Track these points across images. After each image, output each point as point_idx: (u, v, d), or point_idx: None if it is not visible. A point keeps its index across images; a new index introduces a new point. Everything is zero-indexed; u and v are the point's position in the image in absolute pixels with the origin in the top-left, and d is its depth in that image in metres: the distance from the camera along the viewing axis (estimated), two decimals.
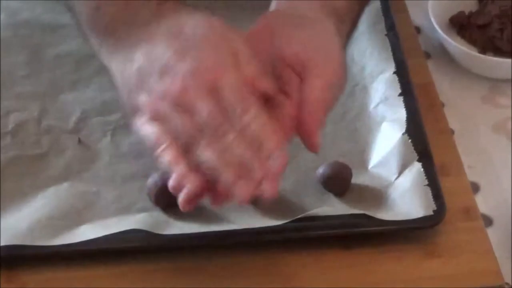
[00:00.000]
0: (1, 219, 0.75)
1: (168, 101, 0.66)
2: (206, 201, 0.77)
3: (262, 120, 0.67)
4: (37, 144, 0.82)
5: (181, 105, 0.66)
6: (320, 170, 0.78)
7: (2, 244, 0.73)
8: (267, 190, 0.66)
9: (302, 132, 0.71)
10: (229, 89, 0.66)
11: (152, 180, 0.77)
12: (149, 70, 0.68)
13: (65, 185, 0.79)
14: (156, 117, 0.67)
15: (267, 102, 0.69)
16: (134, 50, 0.69)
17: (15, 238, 0.73)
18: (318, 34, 0.72)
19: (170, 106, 0.66)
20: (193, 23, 0.68)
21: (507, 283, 0.73)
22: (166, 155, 0.67)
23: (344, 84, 0.74)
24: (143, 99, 0.68)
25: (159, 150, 0.67)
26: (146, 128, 0.68)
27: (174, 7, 0.70)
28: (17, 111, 0.85)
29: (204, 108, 0.66)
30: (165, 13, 0.69)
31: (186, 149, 0.67)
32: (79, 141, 0.83)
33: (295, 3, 0.75)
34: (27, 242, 0.73)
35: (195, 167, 0.66)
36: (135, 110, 0.69)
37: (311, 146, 0.71)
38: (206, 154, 0.66)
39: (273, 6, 0.76)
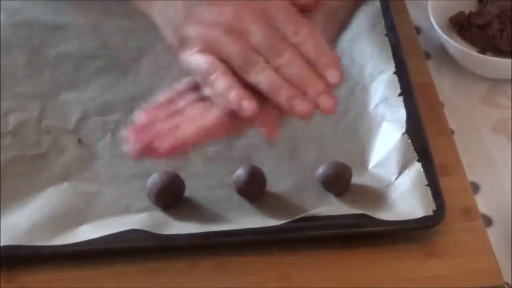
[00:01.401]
0: (1, 219, 0.75)
1: (221, 28, 0.68)
2: (206, 200, 0.77)
3: (315, 38, 0.69)
4: (37, 144, 0.82)
5: (234, 30, 0.68)
6: (320, 170, 0.78)
7: (2, 244, 0.73)
8: (325, 103, 0.67)
9: None
10: (279, 12, 0.68)
11: (152, 180, 0.77)
12: (196, 1, 0.69)
13: (65, 185, 0.79)
14: (209, 46, 0.68)
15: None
16: None
17: (15, 238, 0.73)
18: None
19: (223, 32, 0.68)
20: None
21: (507, 283, 0.73)
22: (221, 82, 0.68)
23: None
24: (193, 29, 0.69)
25: (212, 77, 0.68)
26: (197, 58, 0.69)
27: None
28: (17, 111, 0.85)
29: (258, 30, 0.68)
30: None
31: (240, 75, 0.68)
32: (79, 141, 0.83)
33: None
34: (27, 242, 0.73)
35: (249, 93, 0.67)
36: (184, 44, 0.70)
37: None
38: (262, 76, 0.67)
39: None
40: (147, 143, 0.68)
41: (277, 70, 0.67)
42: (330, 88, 0.68)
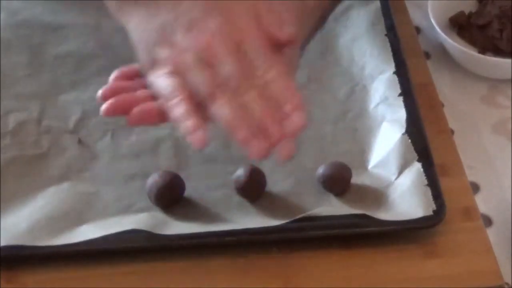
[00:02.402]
0: (1, 219, 0.75)
1: (192, 55, 0.68)
2: (206, 200, 0.77)
3: (283, 81, 0.68)
4: (37, 144, 0.82)
5: (205, 60, 0.67)
6: (320, 170, 0.78)
7: (2, 244, 0.73)
8: (285, 149, 0.67)
9: None
10: (254, 48, 0.68)
11: (152, 180, 0.77)
12: (174, 24, 0.69)
13: (65, 185, 0.79)
14: (177, 70, 0.68)
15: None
16: (158, 5, 0.70)
17: (15, 238, 0.73)
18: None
19: (193, 60, 0.67)
20: None
21: (507, 283, 0.73)
22: (179, 108, 0.67)
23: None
24: (165, 52, 0.69)
25: (172, 102, 0.67)
26: (162, 80, 0.68)
27: None
28: (17, 111, 0.85)
29: (228, 63, 0.67)
30: None
31: (201, 106, 0.67)
32: (79, 141, 0.83)
33: None
34: (27, 242, 0.73)
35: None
36: (154, 65, 0.70)
37: None
38: (223, 110, 0.66)
39: None
40: (123, 103, 0.69)
41: (240, 106, 0.66)
42: (289, 134, 0.67)
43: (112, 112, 0.69)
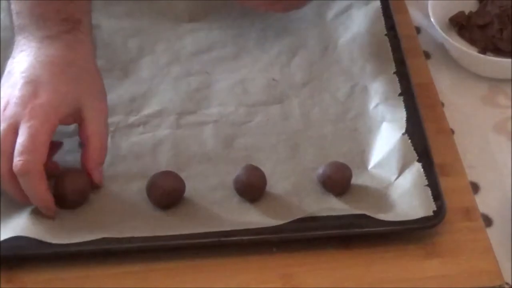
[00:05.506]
0: (1, 219, 0.75)
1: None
2: (206, 200, 0.77)
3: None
4: None
5: None
6: (320, 170, 0.78)
7: (2, 238, 0.73)
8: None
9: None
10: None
11: (152, 180, 0.77)
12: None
13: None
14: None
15: None
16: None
17: (15, 231, 0.73)
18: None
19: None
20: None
21: (507, 283, 0.73)
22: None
23: None
24: None
25: None
26: None
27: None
28: None
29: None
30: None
31: None
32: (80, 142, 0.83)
33: None
34: (28, 234, 0.73)
35: None
36: None
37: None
38: None
39: None
40: None
41: None
42: None
43: None
